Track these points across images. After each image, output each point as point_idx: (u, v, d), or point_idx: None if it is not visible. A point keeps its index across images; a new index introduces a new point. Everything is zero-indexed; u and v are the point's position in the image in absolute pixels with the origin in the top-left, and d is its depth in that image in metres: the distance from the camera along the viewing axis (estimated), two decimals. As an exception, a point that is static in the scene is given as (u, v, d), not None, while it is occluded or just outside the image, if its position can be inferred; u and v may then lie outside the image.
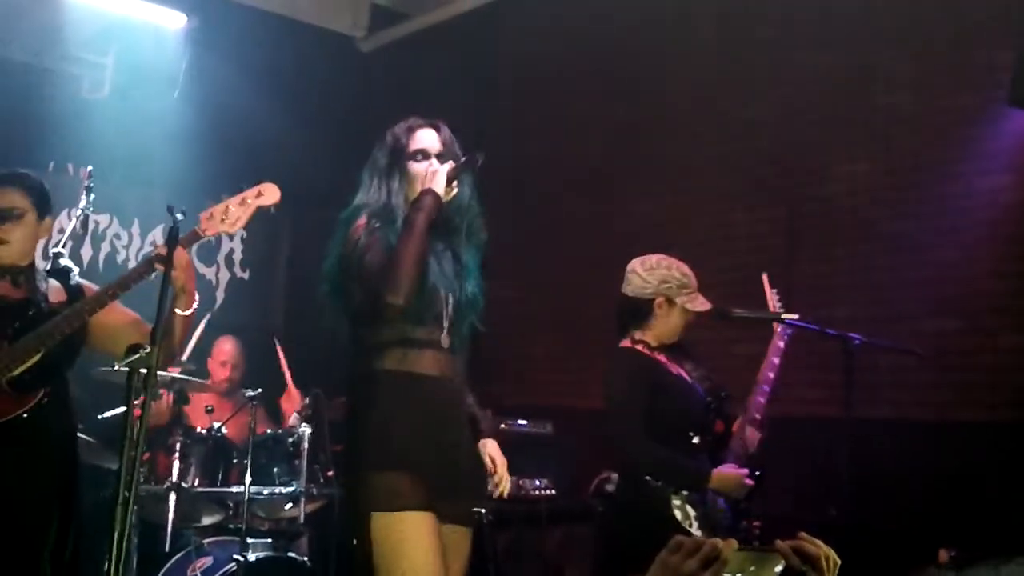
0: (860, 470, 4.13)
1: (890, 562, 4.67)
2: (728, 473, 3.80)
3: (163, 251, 3.02)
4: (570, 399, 6.29)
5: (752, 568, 1.71)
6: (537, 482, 5.05)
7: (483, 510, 4.69)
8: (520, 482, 5.01)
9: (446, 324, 3.05)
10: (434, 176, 3.09)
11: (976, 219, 5.01)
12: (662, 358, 3.92)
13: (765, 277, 4.21)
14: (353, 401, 3.08)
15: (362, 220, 3.07)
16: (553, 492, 5.09)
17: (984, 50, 4.97)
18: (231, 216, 3.26)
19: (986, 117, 4.91)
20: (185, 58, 6.43)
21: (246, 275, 7.43)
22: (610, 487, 5.06)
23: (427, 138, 3.26)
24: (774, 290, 4.19)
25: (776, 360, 4.03)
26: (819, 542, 1.78)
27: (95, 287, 3.71)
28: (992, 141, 4.90)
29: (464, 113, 7.02)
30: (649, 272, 3.94)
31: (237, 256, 7.41)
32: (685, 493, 3.73)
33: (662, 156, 6.45)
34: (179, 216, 2.87)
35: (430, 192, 3.05)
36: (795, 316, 4.20)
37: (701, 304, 3.94)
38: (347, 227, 3.07)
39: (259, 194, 3.30)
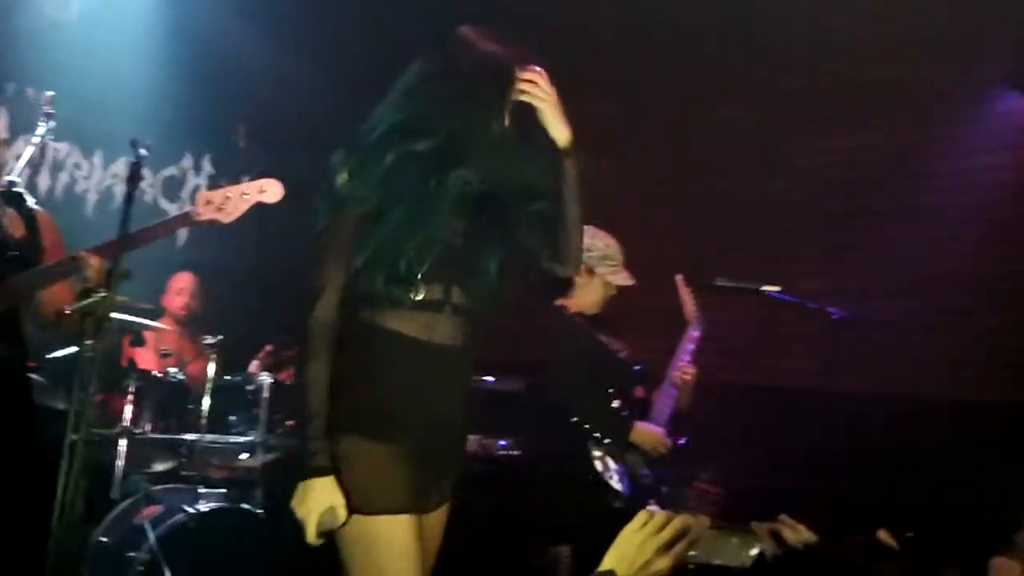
0: (831, 442, 4.12)
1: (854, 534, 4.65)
2: (648, 429, 3.92)
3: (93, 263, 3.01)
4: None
5: (725, 549, 1.61)
6: (502, 442, 4.93)
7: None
8: (483, 441, 4.89)
9: (463, 290, 2.49)
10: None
11: (964, 199, 5.00)
12: (583, 322, 4.00)
13: (679, 279, 4.18)
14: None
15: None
16: (519, 453, 4.97)
17: (990, 30, 4.90)
18: (228, 206, 3.18)
19: (986, 97, 4.86)
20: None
21: (213, 213, 7.19)
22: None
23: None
24: (688, 289, 4.18)
25: (691, 346, 4.10)
26: (801, 527, 1.69)
27: (48, 216, 3.58)
28: (989, 121, 4.85)
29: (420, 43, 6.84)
30: None
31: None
32: (607, 442, 3.82)
33: (655, 117, 6.31)
34: (143, 152, 2.75)
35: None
36: (777, 288, 4.19)
37: (623, 279, 4.00)
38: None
39: (261, 190, 3.22)
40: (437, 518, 2.58)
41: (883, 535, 2.12)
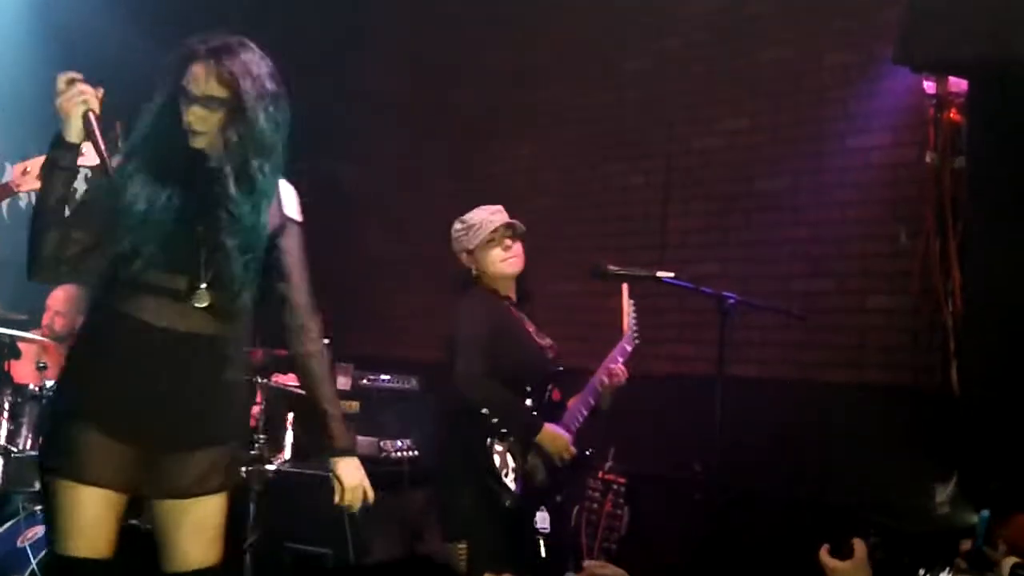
0: (728, 428, 4.09)
1: (754, 518, 4.67)
2: (557, 432, 3.76)
3: None
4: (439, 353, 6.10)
5: None
6: (399, 443, 4.84)
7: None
8: (381, 443, 4.80)
9: (202, 278, 2.56)
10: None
11: (851, 180, 5.02)
12: (508, 305, 3.88)
13: (625, 288, 4.08)
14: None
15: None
16: (416, 453, 4.88)
17: (870, 7, 4.91)
18: None
19: (868, 76, 4.87)
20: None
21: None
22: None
23: (198, 76, 2.57)
24: (631, 300, 4.06)
25: (621, 358, 3.96)
26: (610, 566, 1.70)
27: None
28: (872, 100, 4.87)
29: (326, 45, 6.72)
30: None
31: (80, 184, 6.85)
32: (510, 440, 3.68)
33: (538, 102, 6.31)
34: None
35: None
36: (671, 274, 4.14)
37: (497, 221, 3.86)
38: None
39: (80, 153, 2.93)
40: (198, 506, 2.62)
41: (857, 544, 2.13)
